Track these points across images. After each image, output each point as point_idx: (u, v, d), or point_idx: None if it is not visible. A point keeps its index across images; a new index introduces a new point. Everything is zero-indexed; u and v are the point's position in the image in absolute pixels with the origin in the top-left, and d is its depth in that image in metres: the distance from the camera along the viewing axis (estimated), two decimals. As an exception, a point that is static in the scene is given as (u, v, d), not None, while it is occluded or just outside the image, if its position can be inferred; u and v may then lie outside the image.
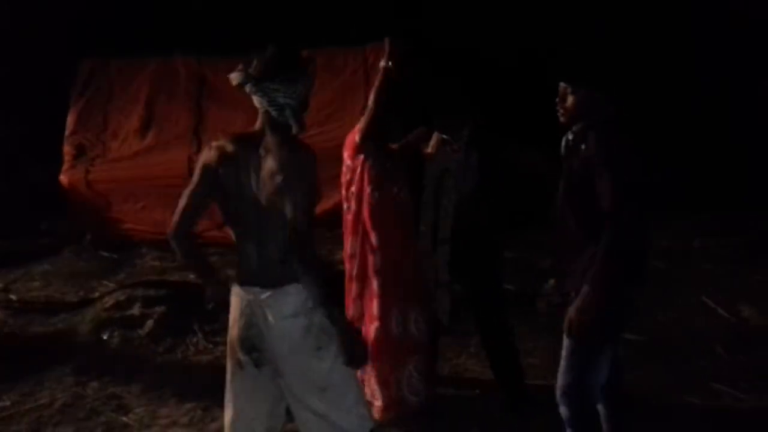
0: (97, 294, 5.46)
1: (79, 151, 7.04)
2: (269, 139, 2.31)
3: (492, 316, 3.56)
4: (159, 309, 4.96)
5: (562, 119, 2.69)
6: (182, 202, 2.38)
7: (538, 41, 7.19)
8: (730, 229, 6.15)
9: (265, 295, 2.31)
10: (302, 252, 2.24)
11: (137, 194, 6.89)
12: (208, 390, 3.95)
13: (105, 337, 4.64)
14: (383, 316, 3.38)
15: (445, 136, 3.52)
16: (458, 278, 3.55)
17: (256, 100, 2.34)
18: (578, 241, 2.60)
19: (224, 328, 4.74)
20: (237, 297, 2.40)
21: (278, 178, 2.23)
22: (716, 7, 7.27)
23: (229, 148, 2.33)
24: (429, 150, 3.58)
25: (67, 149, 7.04)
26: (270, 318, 2.31)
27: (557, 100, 2.69)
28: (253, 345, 2.35)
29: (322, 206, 6.39)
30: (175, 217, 2.38)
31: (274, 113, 2.31)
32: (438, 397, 3.65)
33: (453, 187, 3.45)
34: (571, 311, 2.59)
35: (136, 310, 4.97)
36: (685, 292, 5.00)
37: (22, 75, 7.61)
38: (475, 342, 4.30)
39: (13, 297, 5.52)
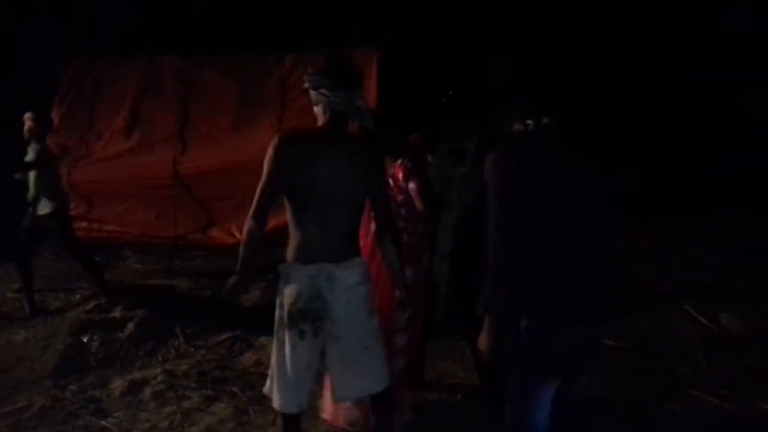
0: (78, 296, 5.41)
1: (62, 152, 6.97)
2: (343, 136, 2.66)
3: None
4: (140, 312, 4.92)
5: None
6: (262, 186, 2.60)
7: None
8: (712, 236, 6.20)
9: (333, 268, 2.60)
10: (390, 229, 2.73)
11: (121, 196, 6.85)
12: (188, 393, 3.94)
13: (85, 340, 4.59)
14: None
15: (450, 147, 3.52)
16: (457, 292, 3.47)
17: (334, 102, 2.61)
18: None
19: (205, 330, 4.80)
20: (298, 273, 2.62)
21: (362, 169, 2.63)
22: (701, 18, 7.36)
23: (302, 142, 2.62)
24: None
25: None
26: (337, 288, 2.61)
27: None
28: (317, 315, 2.60)
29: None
30: (258, 199, 2.61)
31: (353, 114, 2.64)
32: (422, 402, 3.63)
33: (456, 199, 3.42)
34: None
35: (117, 313, 4.94)
36: (666, 299, 5.03)
37: (5, 74, 7.54)
38: (460, 347, 4.31)
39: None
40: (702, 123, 7.21)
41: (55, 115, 7.20)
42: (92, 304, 5.10)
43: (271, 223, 6.93)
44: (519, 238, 2.27)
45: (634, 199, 6.44)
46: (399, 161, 3.50)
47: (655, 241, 6.08)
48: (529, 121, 2.45)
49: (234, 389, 3.99)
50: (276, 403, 2.69)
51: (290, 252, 2.66)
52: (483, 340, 2.39)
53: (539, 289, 2.31)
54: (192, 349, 4.56)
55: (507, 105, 2.53)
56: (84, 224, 6.83)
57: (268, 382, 2.75)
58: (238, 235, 6.70)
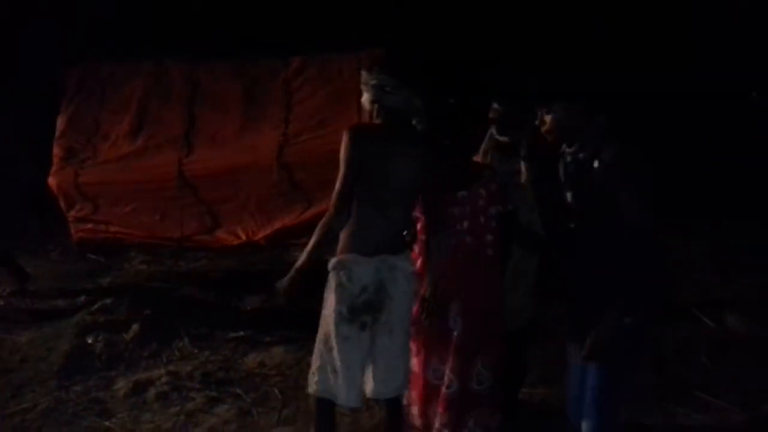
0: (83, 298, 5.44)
1: (69, 154, 6.99)
2: (408, 133, 2.75)
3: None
4: (145, 313, 4.93)
5: (549, 140, 2.65)
6: (342, 179, 2.64)
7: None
8: (716, 237, 6.17)
9: (395, 259, 2.72)
10: (440, 230, 2.95)
11: (127, 197, 6.85)
12: (192, 395, 3.95)
13: (90, 341, 4.60)
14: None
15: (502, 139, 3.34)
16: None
17: (397, 101, 2.70)
18: (598, 258, 2.48)
19: (210, 332, 4.80)
20: (363, 266, 2.68)
21: (423, 167, 2.75)
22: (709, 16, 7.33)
23: (375, 135, 2.72)
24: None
25: (56, 151, 6.99)
26: (398, 278, 2.73)
27: (538, 125, 2.65)
28: (380, 305, 2.70)
29: (313, 211, 6.44)
30: (340, 192, 2.63)
31: (412, 113, 2.73)
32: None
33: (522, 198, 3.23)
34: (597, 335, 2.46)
35: (121, 314, 4.94)
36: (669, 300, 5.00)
37: (13, 76, 7.58)
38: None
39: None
40: (704, 123, 7.18)
41: (61, 118, 7.22)
42: (97, 305, 5.11)
43: (277, 225, 6.96)
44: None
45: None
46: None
47: (662, 243, 6.06)
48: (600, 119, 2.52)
49: (238, 391, 4.00)
50: (342, 398, 2.73)
51: (349, 244, 2.70)
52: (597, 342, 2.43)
53: (653, 288, 2.45)
54: (196, 351, 4.57)
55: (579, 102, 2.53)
56: (90, 225, 6.85)
57: (317, 383, 2.76)
58: (243, 237, 6.71)
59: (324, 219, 2.64)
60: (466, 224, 3.04)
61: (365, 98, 2.78)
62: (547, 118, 2.60)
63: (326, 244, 2.67)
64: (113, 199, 6.87)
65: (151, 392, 3.99)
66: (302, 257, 2.64)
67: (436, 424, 3.10)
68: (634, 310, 2.42)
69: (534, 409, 3.72)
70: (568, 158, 2.61)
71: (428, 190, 2.88)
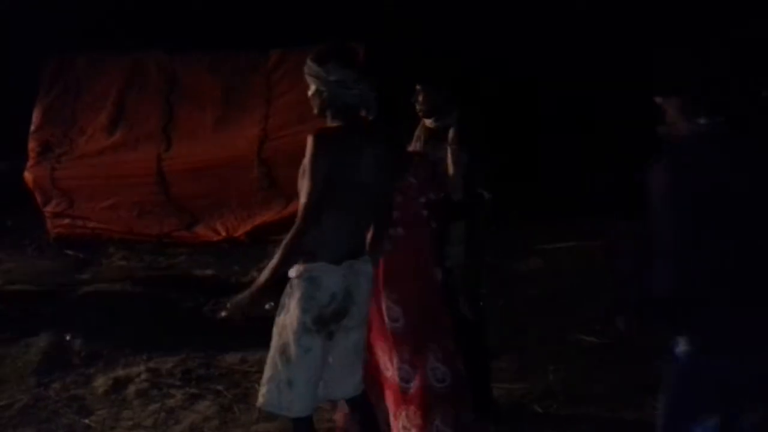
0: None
1: (45, 148, 6.91)
2: (370, 131, 2.63)
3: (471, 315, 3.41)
4: (124, 309, 4.90)
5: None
6: (311, 189, 2.46)
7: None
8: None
9: (360, 263, 2.63)
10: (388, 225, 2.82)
11: (104, 193, 6.80)
12: (172, 391, 3.93)
13: (68, 338, 4.56)
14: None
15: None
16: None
17: (353, 96, 2.55)
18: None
19: (190, 328, 4.76)
20: (331, 275, 2.56)
21: (389, 167, 2.65)
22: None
23: (341, 139, 2.56)
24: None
25: (32, 145, 6.91)
26: (362, 281, 2.64)
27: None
28: (346, 312, 2.60)
29: (293, 208, 6.43)
30: (310, 202, 2.46)
31: (366, 106, 2.59)
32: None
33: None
34: None
35: (100, 311, 4.90)
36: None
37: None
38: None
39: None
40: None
41: (37, 111, 7.12)
42: (76, 301, 5.07)
43: (258, 221, 6.94)
44: (688, 253, 1.98)
45: (622, 196, 6.49)
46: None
47: (640, 238, 6.12)
48: (703, 120, 2.07)
49: (218, 387, 3.99)
50: (296, 410, 2.60)
51: (315, 252, 2.54)
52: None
53: (707, 310, 2.00)
54: (176, 348, 4.53)
55: (676, 99, 2.12)
56: (67, 221, 6.78)
57: (271, 395, 2.61)
58: (223, 233, 6.68)
59: (293, 233, 2.45)
60: (396, 215, 2.95)
61: (315, 93, 2.59)
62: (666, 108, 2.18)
63: (290, 262, 2.51)
64: (90, 194, 6.81)
65: (131, 389, 3.96)
66: (265, 274, 2.49)
67: (400, 425, 3.05)
68: None
69: (513, 406, 3.73)
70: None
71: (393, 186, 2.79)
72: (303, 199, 2.47)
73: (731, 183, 2.00)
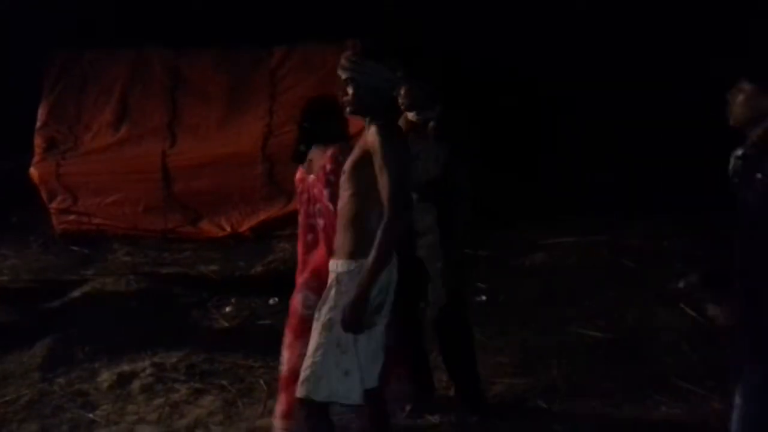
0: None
1: (50, 144, 6.94)
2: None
3: (452, 314, 3.39)
4: (129, 305, 4.93)
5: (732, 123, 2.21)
6: (398, 182, 2.47)
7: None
8: (701, 231, 6.22)
9: (395, 257, 2.63)
10: None
11: (109, 189, 6.82)
12: (176, 386, 3.95)
13: (73, 333, 4.57)
14: None
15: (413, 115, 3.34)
16: (416, 278, 3.31)
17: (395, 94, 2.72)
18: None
19: (194, 323, 4.79)
20: (394, 265, 2.63)
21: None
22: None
23: (402, 136, 2.68)
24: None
25: (37, 141, 6.94)
26: (396, 274, 2.65)
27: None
28: (384, 304, 2.61)
29: (295, 205, 6.46)
30: (399, 199, 2.48)
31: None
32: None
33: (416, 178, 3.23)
34: None
35: (105, 305, 4.93)
36: (652, 290, 5.06)
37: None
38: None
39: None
40: (701, 121, 7.17)
41: (43, 107, 7.15)
42: (80, 297, 5.09)
43: (262, 216, 6.95)
44: None
45: (623, 193, 6.49)
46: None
47: (643, 235, 6.11)
48: None
49: (223, 382, 4.00)
50: (355, 397, 2.60)
51: (363, 248, 2.55)
52: None
53: None
54: (180, 342, 4.55)
55: None
56: (72, 217, 6.81)
57: (329, 386, 2.59)
58: (227, 228, 6.70)
59: (387, 231, 2.45)
60: (321, 206, 3.12)
61: (366, 90, 2.55)
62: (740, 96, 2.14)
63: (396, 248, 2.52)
64: (96, 190, 6.84)
65: (136, 384, 3.98)
66: (365, 279, 2.48)
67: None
68: None
69: (516, 401, 3.74)
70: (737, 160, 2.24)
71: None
72: (388, 193, 2.46)
73: None
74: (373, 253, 2.47)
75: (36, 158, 6.87)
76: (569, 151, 7.20)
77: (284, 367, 3.22)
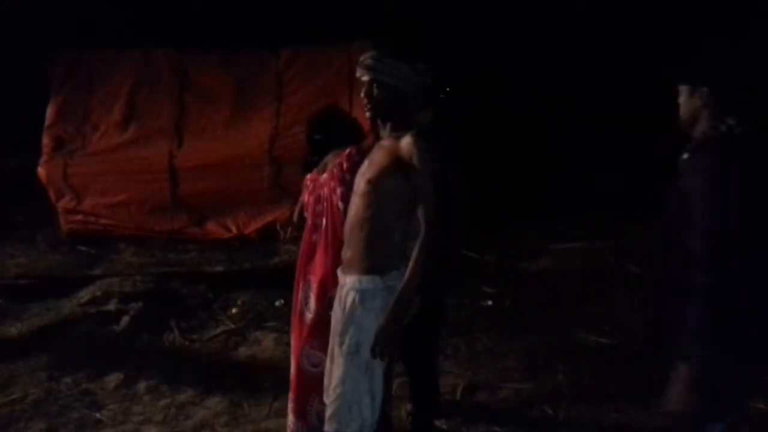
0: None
1: (58, 144, 6.96)
2: None
3: (426, 319, 3.12)
4: (135, 305, 4.93)
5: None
6: (437, 202, 2.37)
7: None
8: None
9: None
10: None
11: (116, 189, 6.84)
12: (183, 387, 3.96)
13: (80, 333, 4.60)
14: None
15: None
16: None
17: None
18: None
19: (200, 324, 4.81)
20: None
21: None
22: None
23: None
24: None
25: (45, 141, 6.96)
26: None
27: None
28: None
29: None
30: (438, 214, 2.37)
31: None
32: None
33: None
34: None
35: (111, 306, 4.94)
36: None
37: (1, 65, 7.51)
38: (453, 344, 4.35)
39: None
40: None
41: (51, 107, 7.17)
42: (87, 297, 5.11)
43: (268, 218, 6.93)
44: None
45: (628, 197, 6.48)
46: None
47: (643, 239, 6.11)
48: (732, 122, 2.12)
49: (228, 383, 4.01)
50: (374, 421, 2.47)
51: (395, 261, 2.46)
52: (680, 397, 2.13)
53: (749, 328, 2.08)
54: (187, 343, 4.57)
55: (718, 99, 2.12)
56: (79, 217, 6.83)
57: (363, 415, 2.45)
58: (233, 230, 6.71)
59: (428, 245, 2.33)
60: (318, 206, 3.11)
61: (393, 93, 2.40)
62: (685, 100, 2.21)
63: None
64: (102, 190, 6.85)
65: (142, 384, 3.99)
66: (405, 297, 2.35)
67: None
68: None
69: (521, 406, 3.74)
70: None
71: None
72: (429, 205, 2.35)
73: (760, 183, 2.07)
74: (414, 269, 2.33)
75: (44, 158, 6.89)
76: (574, 155, 7.20)
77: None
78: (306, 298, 3.10)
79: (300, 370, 3.06)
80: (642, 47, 7.32)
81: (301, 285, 3.16)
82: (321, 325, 2.94)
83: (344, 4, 7.63)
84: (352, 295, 2.48)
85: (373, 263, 2.44)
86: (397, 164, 2.38)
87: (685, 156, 2.22)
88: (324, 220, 3.07)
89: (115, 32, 7.64)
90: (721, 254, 2.02)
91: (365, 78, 2.44)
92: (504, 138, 7.28)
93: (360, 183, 2.53)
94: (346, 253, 2.55)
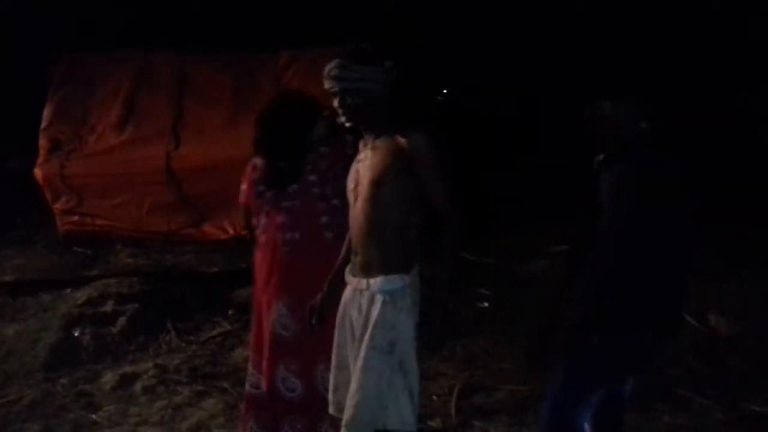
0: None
1: (55, 145, 6.96)
2: None
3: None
4: (132, 306, 4.92)
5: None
6: (448, 189, 2.41)
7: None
8: (703, 241, 6.23)
9: None
10: None
11: (113, 190, 6.83)
12: (179, 388, 3.95)
13: (76, 334, 4.58)
14: None
15: None
16: None
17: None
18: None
19: (197, 326, 4.80)
20: (417, 277, 2.53)
21: None
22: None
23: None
24: None
25: (42, 142, 6.96)
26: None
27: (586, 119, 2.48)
28: None
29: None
30: (452, 200, 2.41)
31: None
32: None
33: None
34: None
35: (108, 307, 4.93)
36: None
37: (1, 65, 7.52)
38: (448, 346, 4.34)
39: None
40: (703, 128, 7.18)
41: (48, 108, 7.17)
42: (84, 297, 5.10)
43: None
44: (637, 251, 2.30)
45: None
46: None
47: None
48: (644, 124, 2.35)
49: (225, 385, 4.01)
50: (413, 421, 2.44)
51: (411, 256, 2.47)
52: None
53: (650, 302, 2.39)
54: (183, 345, 4.57)
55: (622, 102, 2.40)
56: (76, 218, 6.83)
57: (399, 415, 2.40)
58: (231, 231, 6.70)
59: (453, 230, 2.37)
60: (293, 220, 3.13)
61: (367, 99, 2.40)
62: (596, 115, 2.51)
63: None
64: (100, 191, 6.85)
65: (138, 386, 3.98)
66: (445, 286, 2.40)
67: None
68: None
69: (518, 407, 3.74)
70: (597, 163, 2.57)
71: None
72: (442, 195, 2.37)
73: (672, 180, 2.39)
74: (448, 259, 2.39)
75: (40, 159, 6.88)
76: (573, 156, 7.21)
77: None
78: (280, 317, 3.01)
79: (275, 394, 3.05)
80: (642, 47, 7.34)
81: (274, 303, 3.03)
82: (301, 345, 2.96)
83: (344, 6, 7.64)
84: (379, 297, 2.43)
85: (398, 262, 2.44)
86: (401, 162, 2.38)
87: (600, 158, 2.48)
88: (297, 234, 3.01)
89: (115, 33, 7.64)
90: (617, 241, 2.30)
91: (335, 89, 2.42)
92: (503, 139, 7.29)
93: (361, 188, 2.49)
94: (361, 258, 2.50)
